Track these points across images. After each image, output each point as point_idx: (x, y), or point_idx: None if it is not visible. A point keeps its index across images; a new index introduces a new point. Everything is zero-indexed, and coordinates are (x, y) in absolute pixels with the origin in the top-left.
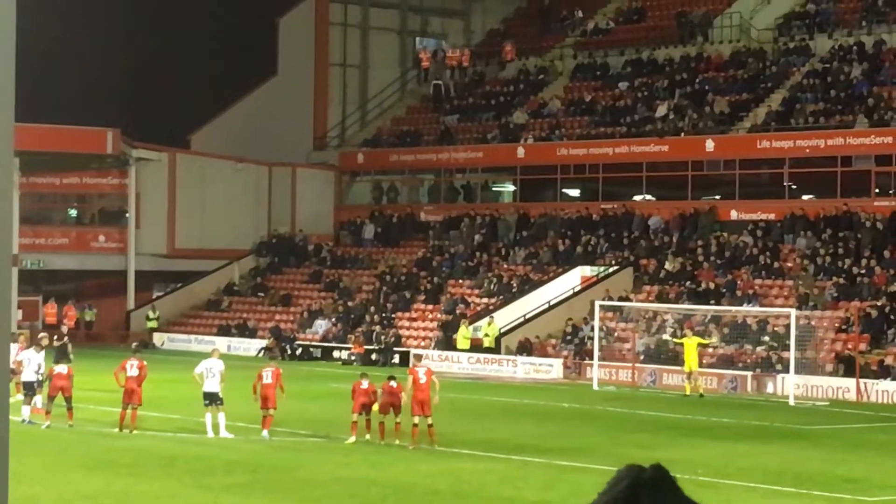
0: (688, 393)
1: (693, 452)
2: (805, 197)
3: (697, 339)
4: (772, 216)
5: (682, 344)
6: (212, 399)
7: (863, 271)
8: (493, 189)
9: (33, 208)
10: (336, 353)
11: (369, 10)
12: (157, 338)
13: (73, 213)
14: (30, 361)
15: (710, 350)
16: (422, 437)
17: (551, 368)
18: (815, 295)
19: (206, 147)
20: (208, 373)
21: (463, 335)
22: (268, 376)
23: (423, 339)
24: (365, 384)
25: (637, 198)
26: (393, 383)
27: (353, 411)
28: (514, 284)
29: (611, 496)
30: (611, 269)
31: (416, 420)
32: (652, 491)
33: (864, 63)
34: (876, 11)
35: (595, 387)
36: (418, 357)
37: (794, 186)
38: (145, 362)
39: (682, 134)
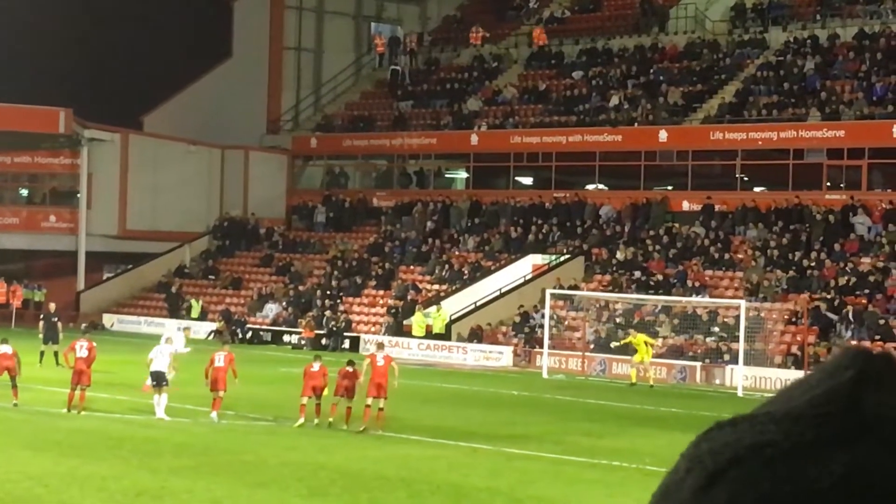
0: (634, 381)
1: (641, 442)
2: (757, 189)
3: (644, 337)
4: (723, 207)
5: (630, 343)
6: (158, 379)
7: (813, 264)
8: (446, 176)
9: None
10: (286, 338)
11: None
12: (107, 319)
13: (24, 192)
14: None
15: (660, 341)
16: (371, 420)
17: (501, 356)
18: (765, 287)
19: (158, 128)
20: (158, 353)
21: (418, 322)
22: (220, 360)
23: (374, 324)
24: (316, 367)
25: (589, 187)
26: (350, 368)
27: (302, 394)
28: (466, 271)
29: (833, 385)
30: (562, 258)
31: (370, 401)
32: (880, 388)
33: (818, 57)
34: (830, 5)
35: (545, 375)
36: (380, 345)
37: (746, 178)
38: (95, 343)
39: (636, 124)
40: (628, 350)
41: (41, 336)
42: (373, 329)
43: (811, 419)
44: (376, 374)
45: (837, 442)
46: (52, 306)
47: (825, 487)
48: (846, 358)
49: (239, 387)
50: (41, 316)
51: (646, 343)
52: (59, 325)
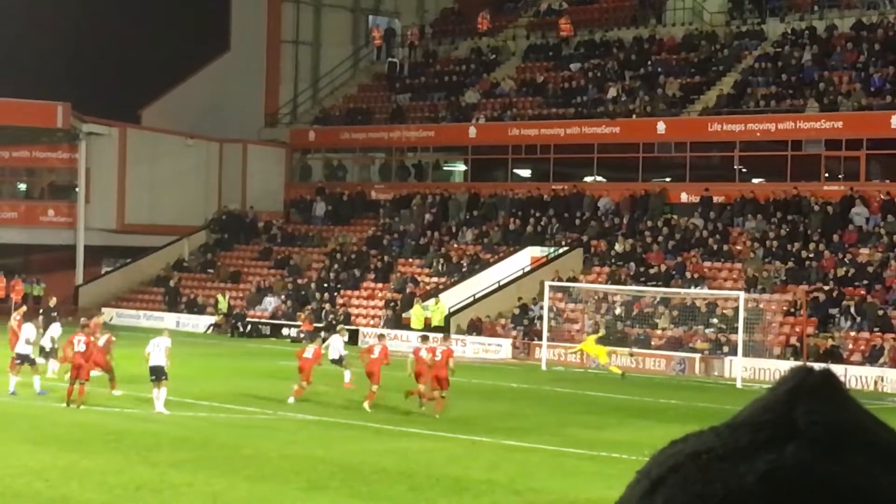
0: (621, 373)
1: (640, 434)
2: (755, 180)
3: (591, 339)
4: (722, 199)
5: (582, 350)
6: (157, 374)
7: (811, 255)
8: (444, 168)
9: None
10: (285, 331)
11: None
12: (106, 313)
13: (23, 186)
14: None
15: (659, 332)
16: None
17: (500, 348)
18: (764, 278)
19: (157, 122)
20: (155, 347)
21: (416, 315)
22: (377, 352)
23: (373, 317)
24: (377, 351)
25: (588, 179)
26: (426, 352)
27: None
28: (464, 264)
29: (772, 397)
30: (561, 250)
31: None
32: (813, 397)
33: (816, 48)
34: None
35: (544, 367)
36: (446, 337)
37: (744, 170)
38: (93, 338)
39: (634, 116)
40: (626, 342)
41: (41, 331)
42: (371, 322)
43: (747, 427)
44: (437, 366)
45: (768, 445)
46: (53, 301)
47: (750, 483)
48: (787, 374)
49: (235, 379)
50: (40, 310)
51: (596, 340)
52: (59, 319)
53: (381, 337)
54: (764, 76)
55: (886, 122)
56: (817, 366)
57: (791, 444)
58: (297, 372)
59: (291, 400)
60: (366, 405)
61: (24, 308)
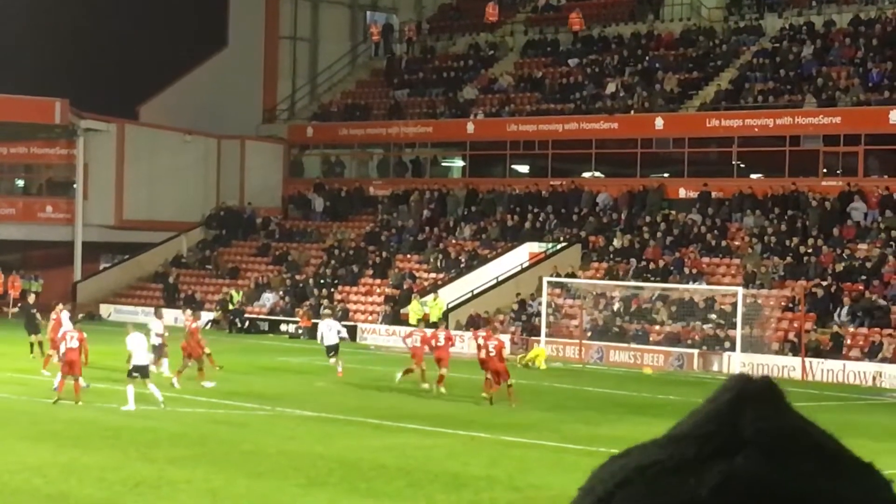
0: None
1: (639, 430)
2: (753, 176)
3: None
4: (720, 194)
5: (532, 362)
6: (142, 372)
7: (810, 251)
8: (443, 164)
9: None
10: (283, 327)
11: None
12: (104, 309)
13: (21, 183)
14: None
15: (658, 327)
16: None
17: None
18: (762, 273)
19: (154, 118)
20: (137, 344)
21: (414, 310)
22: (441, 338)
23: (371, 313)
24: (442, 337)
25: (586, 174)
26: (481, 340)
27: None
28: (463, 260)
29: (714, 406)
30: (559, 246)
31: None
32: (756, 406)
33: (814, 43)
34: None
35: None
36: (492, 326)
37: (742, 165)
38: (85, 334)
39: (632, 111)
40: (625, 337)
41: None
42: (370, 318)
43: (693, 439)
44: (492, 360)
45: (716, 455)
46: (32, 298)
47: (703, 496)
48: (728, 382)
49: (235, 375)
50: (20, 307)
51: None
52: (38, 316)
53: (440, 322)
54: (762, 72)
55: (885, 117)
56: (756, 374)
57: (740, 453)
58: (415, 361)
59: (425, 385)
60: (440, 389)
61: (61, 305)
